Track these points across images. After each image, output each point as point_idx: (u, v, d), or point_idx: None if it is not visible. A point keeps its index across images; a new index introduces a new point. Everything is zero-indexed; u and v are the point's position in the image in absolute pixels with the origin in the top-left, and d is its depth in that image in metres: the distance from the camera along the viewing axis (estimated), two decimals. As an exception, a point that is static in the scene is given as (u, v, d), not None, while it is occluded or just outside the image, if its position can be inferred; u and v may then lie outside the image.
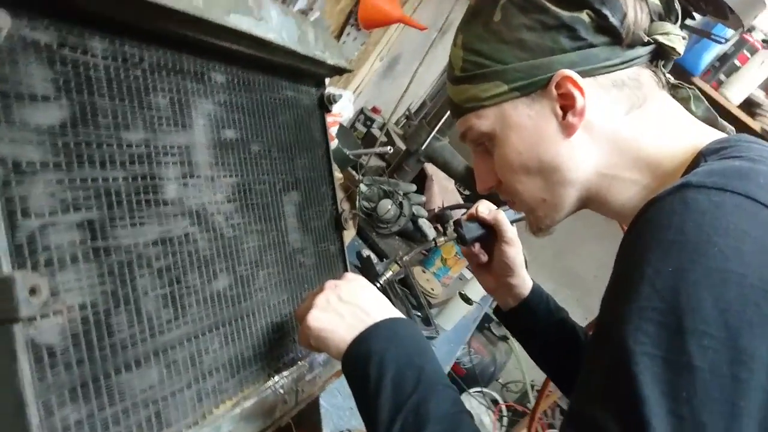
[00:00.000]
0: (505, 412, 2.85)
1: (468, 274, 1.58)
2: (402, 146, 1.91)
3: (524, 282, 0.87)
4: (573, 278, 3.02)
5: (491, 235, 0.85)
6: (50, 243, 0.44)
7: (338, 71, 0.87)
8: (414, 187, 1.58)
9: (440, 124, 1.60)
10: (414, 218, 1.54)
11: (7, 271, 0.39)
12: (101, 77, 0.49)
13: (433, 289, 1.42)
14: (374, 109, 2.17)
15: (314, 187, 0.85)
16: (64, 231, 0.45)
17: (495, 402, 2.85)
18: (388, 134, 2.07)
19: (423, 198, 1.60)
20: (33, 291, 0.38)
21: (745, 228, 0.42)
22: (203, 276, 0.60)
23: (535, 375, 3.08)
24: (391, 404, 0.51)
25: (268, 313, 0.71)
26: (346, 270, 0.92)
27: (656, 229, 0.45)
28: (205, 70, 0.64)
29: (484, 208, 0.84)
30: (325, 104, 0.89)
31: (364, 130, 2.13)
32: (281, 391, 0.70)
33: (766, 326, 0.39)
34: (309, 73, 0.85)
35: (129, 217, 0.51)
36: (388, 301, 0.63)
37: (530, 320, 0.87)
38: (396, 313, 0.61)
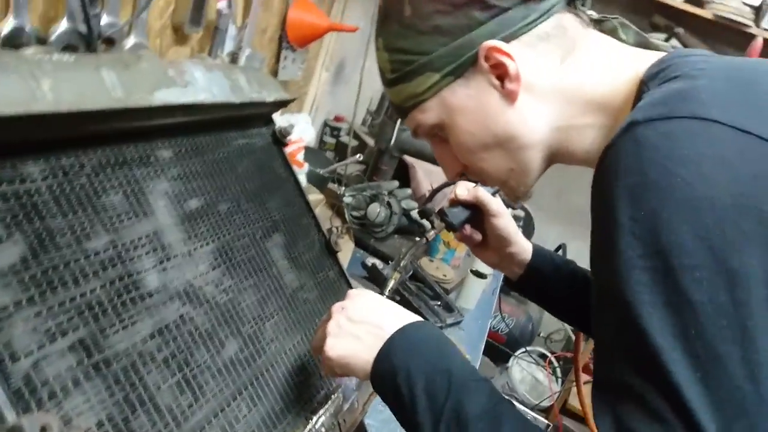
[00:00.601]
0: (556, 363, 2.86)
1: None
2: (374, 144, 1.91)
3: (524, 248, 0.87)
4: (579, 215, 3.00)
5: (478, 213, 0.85)
6: (47, 376, 0.44)
7: (281, 104, 0.87)
8: (396, 183, 1.58)
9: (401, 114, 1.59)
10: (406, 212, 1.54)
11: (12, 420, 0.39)
12: (47, 199, 0.50)
13: (445, 275, 1.43)
14: (337, 118, 2.16)
15: (295, 223, 0.86)
16: (58, 359, 0.45)
17: (543, 356, 2.86)
18: (357, 137, 2.07)
19: (409, 191, 1.60)
20: (44, 430, 0.39)
21: (701, 150, 0.42)
22: (210, 349, 0.60)
23: (574, 318, 3.08)
24: (429, 415, 0.51)
25: (287, 360, 0.71)
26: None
27: (617, 176, 0.45)
28: (150, 151, 0.64)
29: (463, 190, 0.84)
30: (279, 140, 0.89)
31: (333, 141, 2.13)
32: (323, 430, 0.70)
33: (750, 241, 0.39)
34: (254, 116, 0.85)
35: (119, 321, 0.51)
36: (397, 307, 0.63)
37: (541, 281, 0.87)
38: (409, 317, 0.61)
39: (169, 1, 0.98)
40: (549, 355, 2.85)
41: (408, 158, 1.99)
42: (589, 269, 0.51)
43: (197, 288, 0.62)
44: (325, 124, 2.12)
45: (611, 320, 0.44)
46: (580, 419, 2.70)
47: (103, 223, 0.54)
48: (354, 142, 2.00)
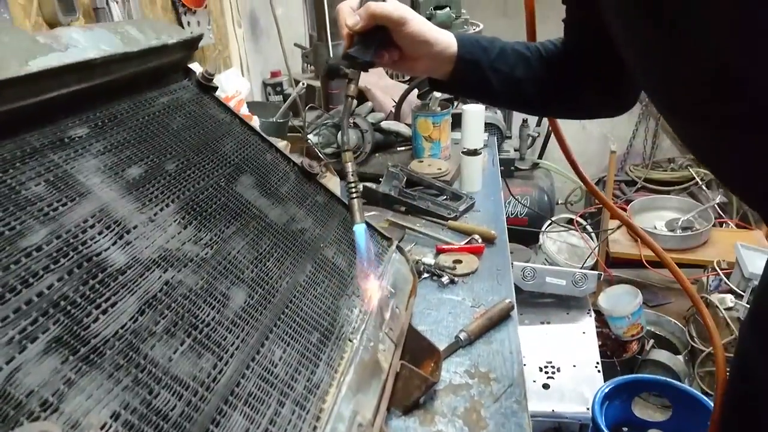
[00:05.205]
0: (584, 222, 2.82)
1: (457, 135, 1.49)
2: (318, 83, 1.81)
3: (446, 40, 0.75)
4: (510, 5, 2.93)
5: (381, 31, 0.71)
6: (30, 386, 0.37)
7: (190, 45, 0.78)
8: (355, 103, 1.48)
9: (329, 30, 1.49)
10: (377, 127, 1.45)
11: (1, 441, 0.33)
12: (-50, 208, 0.42)
13: (440, 169, 1.35)
14: (273, 74, 2.05)
15: (258, 160, 0.78)
16: (36, 365, 0.38)
17: (570, 221, 2.82)
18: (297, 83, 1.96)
19: (369, 104, 1.51)
20: (44, 438, 0.32)
21: None
22: (215, 305, 0.54)
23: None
24: None
25: (306, 292, 0.65)
26: (346, 209, 0.85)
27: None
28: (60, 133, 0.56)
29: (351, 17, 0.71)
30: (205, 86, 0.80)
31: (279, 98, 2.02)
32: (371, 344, 0.65)
33: None
34: (166, 68, 0.76)
35: (95, 308, 0.45)
36: None
37: (476, 68, 0.77)
38: None
39: (31, -3, 0.88)
40: (574, 217, 2.81)
41: (360, 85, 1.89)
42: None
43: (174, 250, 0.55)
44: (265, 85, 2.02)
45: None
46: (625, 264, 2.68)
47: (33, 216, 0.47)
48: (301, 89, 1.89)
